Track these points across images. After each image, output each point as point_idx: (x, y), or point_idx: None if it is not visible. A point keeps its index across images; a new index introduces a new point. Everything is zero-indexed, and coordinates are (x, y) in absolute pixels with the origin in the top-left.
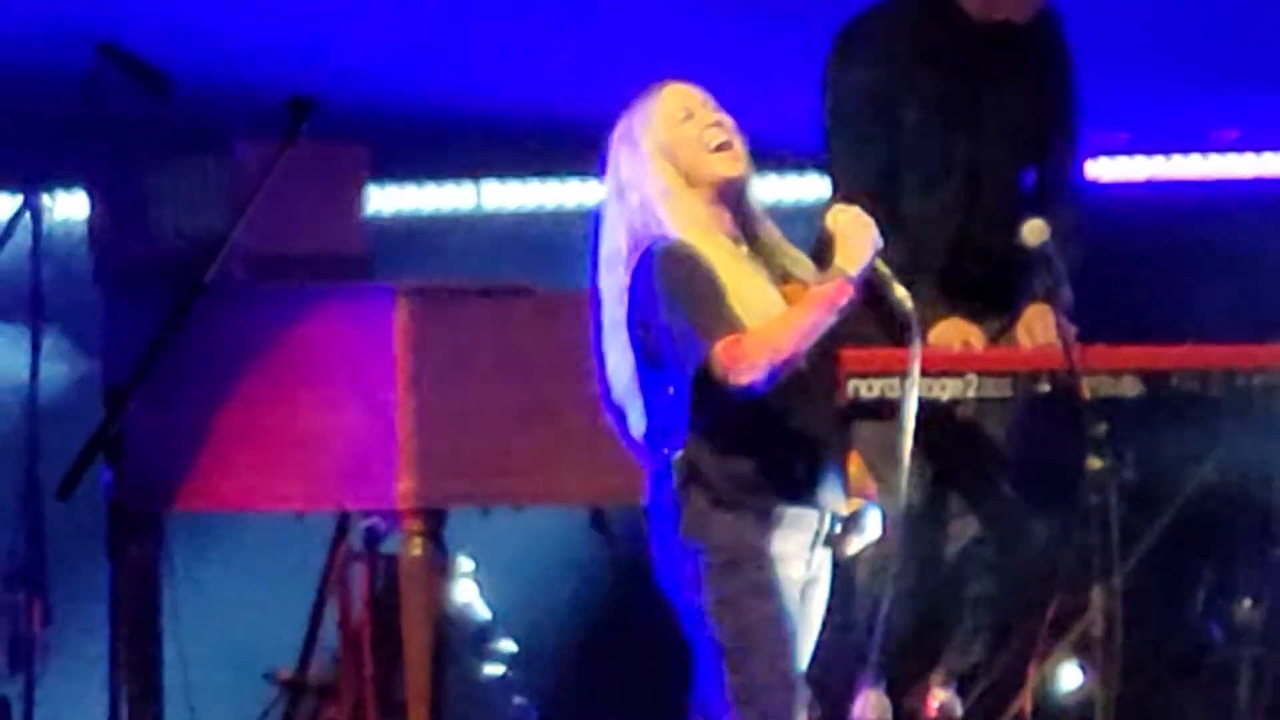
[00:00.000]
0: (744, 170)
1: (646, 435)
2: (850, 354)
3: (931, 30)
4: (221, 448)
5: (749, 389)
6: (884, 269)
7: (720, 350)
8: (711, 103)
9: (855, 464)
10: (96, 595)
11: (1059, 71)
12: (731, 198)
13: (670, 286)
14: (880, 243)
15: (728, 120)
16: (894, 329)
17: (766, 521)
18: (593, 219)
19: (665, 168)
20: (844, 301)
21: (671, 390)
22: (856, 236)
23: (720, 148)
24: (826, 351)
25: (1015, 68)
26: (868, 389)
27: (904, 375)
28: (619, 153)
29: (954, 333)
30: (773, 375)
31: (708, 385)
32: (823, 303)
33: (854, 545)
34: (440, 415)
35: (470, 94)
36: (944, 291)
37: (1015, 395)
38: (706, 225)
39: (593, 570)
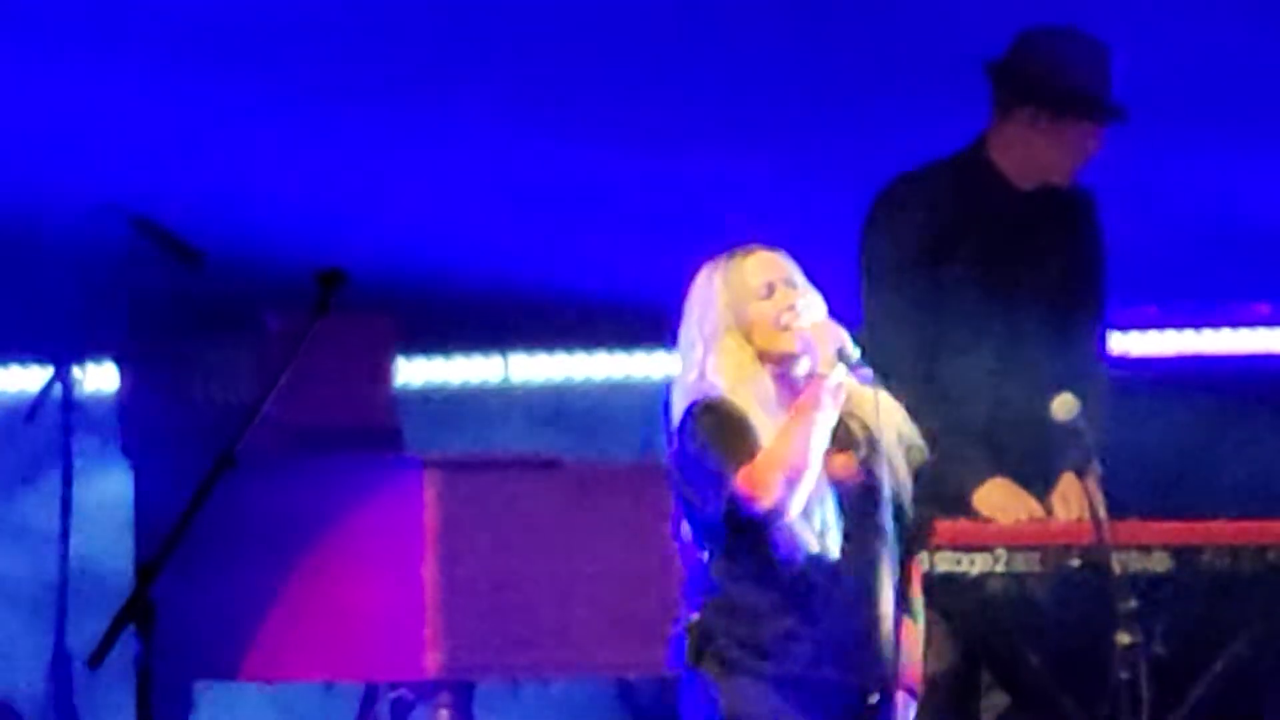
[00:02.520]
0: (805, 348)
1: (682, 600)
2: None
3: (972, 194)
4: (251, 618)
5: (774, 511)
6: (850, 353)
7: (740, 479)
8: (797, 277)
9: (908, 644)
10: None
11: (1091, 246)
12: (798, 375)
13: (705, 434)
14: (847, 340)
15: (803, 300)
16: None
17: (780, 689)
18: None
19: (738, 340)
20: (821, 394)
21: (701, 555)
22: (821, 338)
23: (791, 327)
24: (877, 519)
25: (1053, 236)
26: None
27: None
28: (694, 310)
29: (1000, 497)
30: (790, 490)
31: (732, 536)
32: (805, 405)
33: None
34: (469, 587)
35: (498, 266)
36: (986, 453)
37: (1045, 570)
38: (764, 400)
39: None
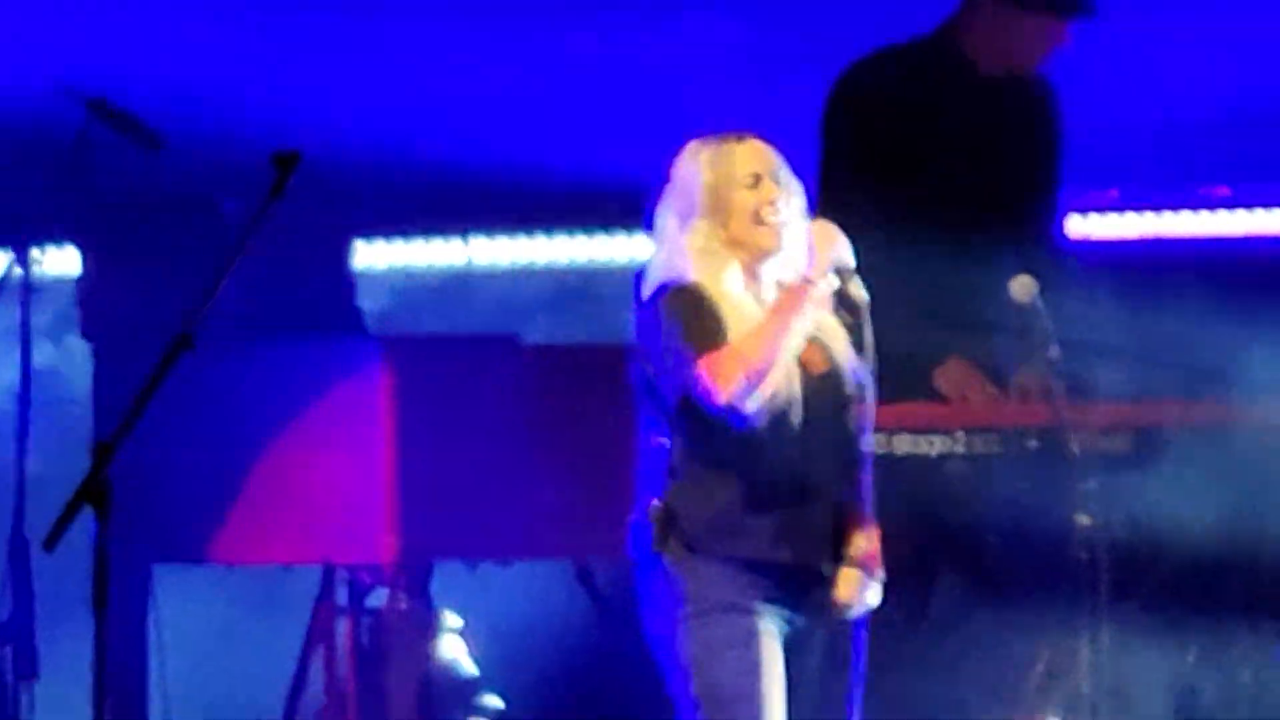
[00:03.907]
0: (780, 246)
1: (638, 485)
2: (886, 410)
3: (935, 78)
4: (209, 501)
5: (732, 410)
6: (847, 273)
7: (703, 366)
8: (783, 174)
9: (863, 526)
10: (81, 648)
11: (1050, 134)
12: (766, 269)
13: (670, 314)
14: (849, 254)
15: (791, 196)
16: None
17: (743, 571)
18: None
19: (710, 227)
20: (805, 302)
21: (660, 439)
22: (825, 246)
23: (770, 222)
24: (835, 404)
25: (1013, 123)
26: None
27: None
28: (675, 189)
29: (959, 377)
30: (750, 387)
31: (693, 420)
32: (786, 307)
33: (842, 612)
34: (426, 469)
35: (461, 149)
36: (946, 336)
37: (1004, 451)
38: (735, 284)
39: (580, 625)
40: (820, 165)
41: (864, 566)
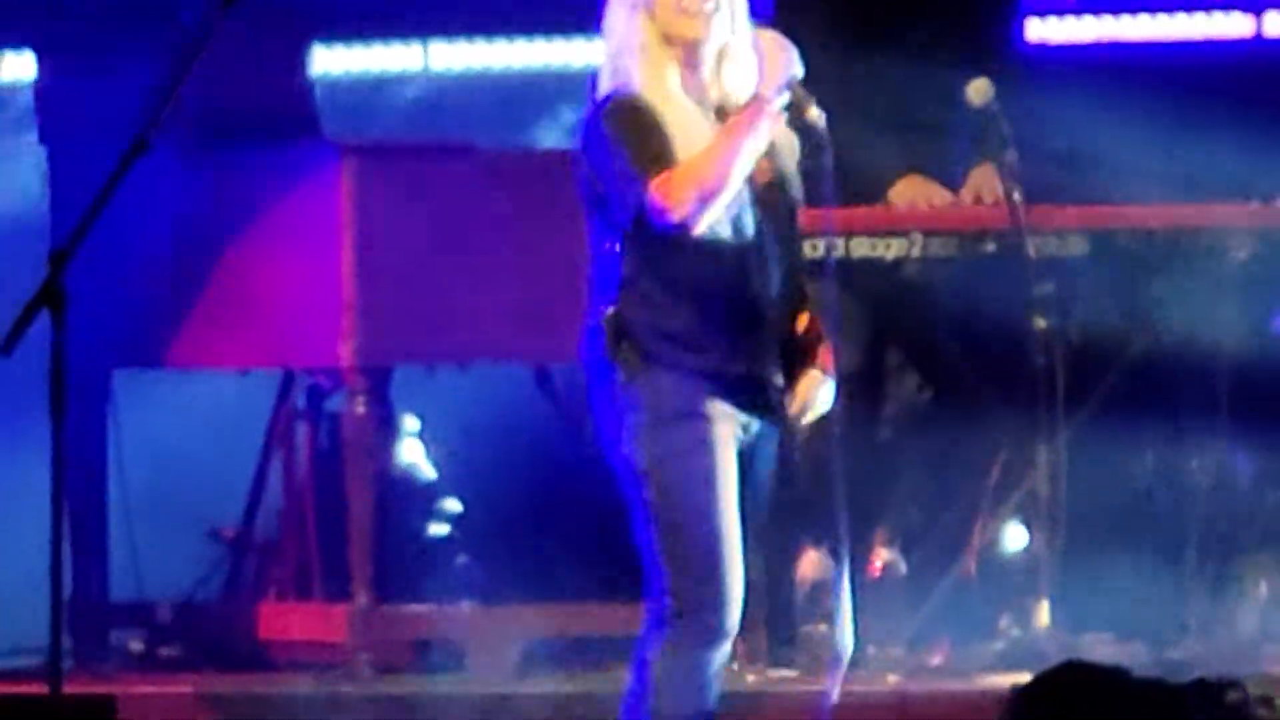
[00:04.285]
0: (707, 33)
1: (592, 292)
2: (842, 214)
3: None
4: (166, 306)
5: (684, 224)
6: (800, 90)
7: (654, 187)
8: None
9: (809, 330)
10: (40, 453)
11: None
12: (706, 59)
13: (616, 133)
14: (799, 66)
15: None
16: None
17: (697, 380)
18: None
19: (646, 21)
20: (760, 121)
21: (609, 246)
22: (775, 58)
23: (696, 12)
24: (782, 213)
25: None
26: (811, 249)
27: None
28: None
29: (916, 190)
30: (703, 206)
31: (643, 233)
32: (739, 128)
33: (804, 416)
34: (384, 273)
35: None
36: (902, 143)
37: (961, 255)
38: (673, 85)
39: (539, 429)
40: None
41: (821, 367)
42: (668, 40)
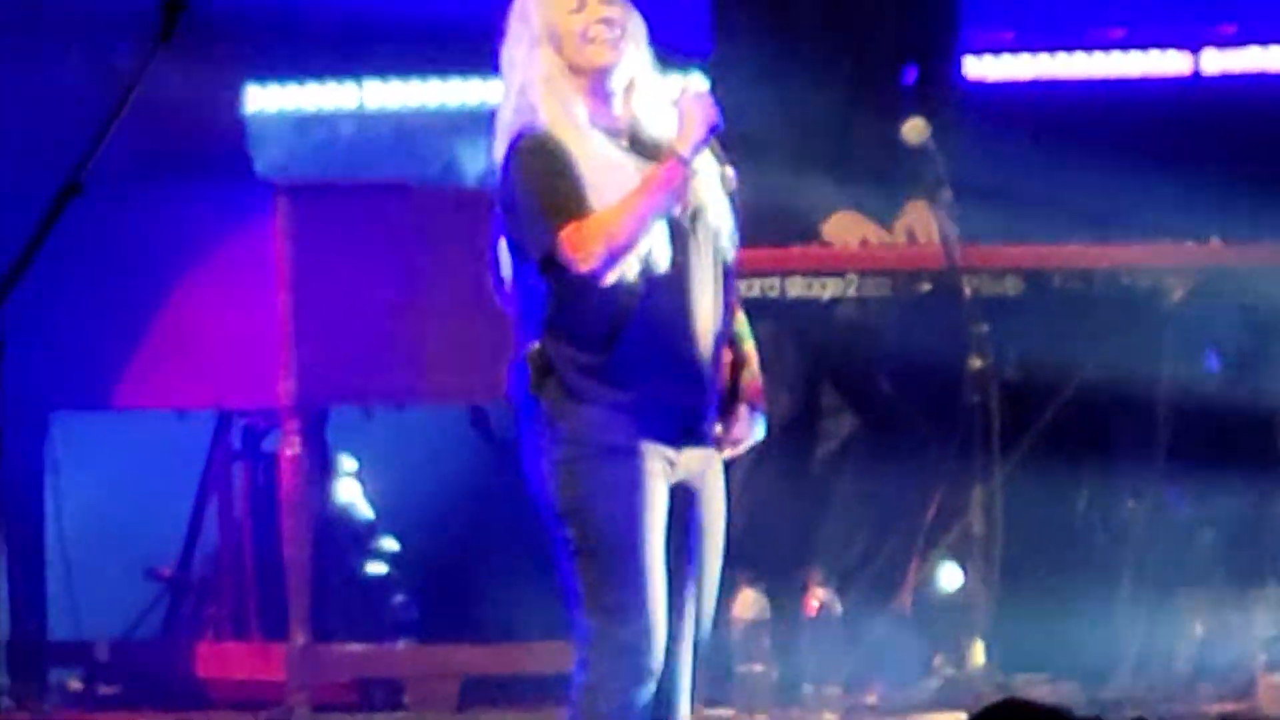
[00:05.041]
0: (616, 59)
1: (516, 329)
2: (778, 253)
3: None
4: (103, 347)
5: (592, 276)
6: (717, 148)
7: (563, 237)
8: None
9: (741, 362)
10: None
11: None
12: (614, 89)
13: (527, 175)
14: (718, 124)
15: (622, 13)
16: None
17: (622, 415)
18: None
19: (549, 55)
20: (677, 181)
21: (531, 283)
22: (693, 116)
23: (603, 41)
24: (707, 242)
25: None
26: (747, 288)
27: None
28: (511, 30)
29: (851, 226)
30: (611, 261)
31: (559, 275)
32: (655, 185)
33: (728, 449)
34: (320, 313)
35: None
36: (836, 181)
37: (896, 294)
38: (581, 117)
39: (475, 468)
40: (711, 12)
41: (750, 402)
42: (574, 71)
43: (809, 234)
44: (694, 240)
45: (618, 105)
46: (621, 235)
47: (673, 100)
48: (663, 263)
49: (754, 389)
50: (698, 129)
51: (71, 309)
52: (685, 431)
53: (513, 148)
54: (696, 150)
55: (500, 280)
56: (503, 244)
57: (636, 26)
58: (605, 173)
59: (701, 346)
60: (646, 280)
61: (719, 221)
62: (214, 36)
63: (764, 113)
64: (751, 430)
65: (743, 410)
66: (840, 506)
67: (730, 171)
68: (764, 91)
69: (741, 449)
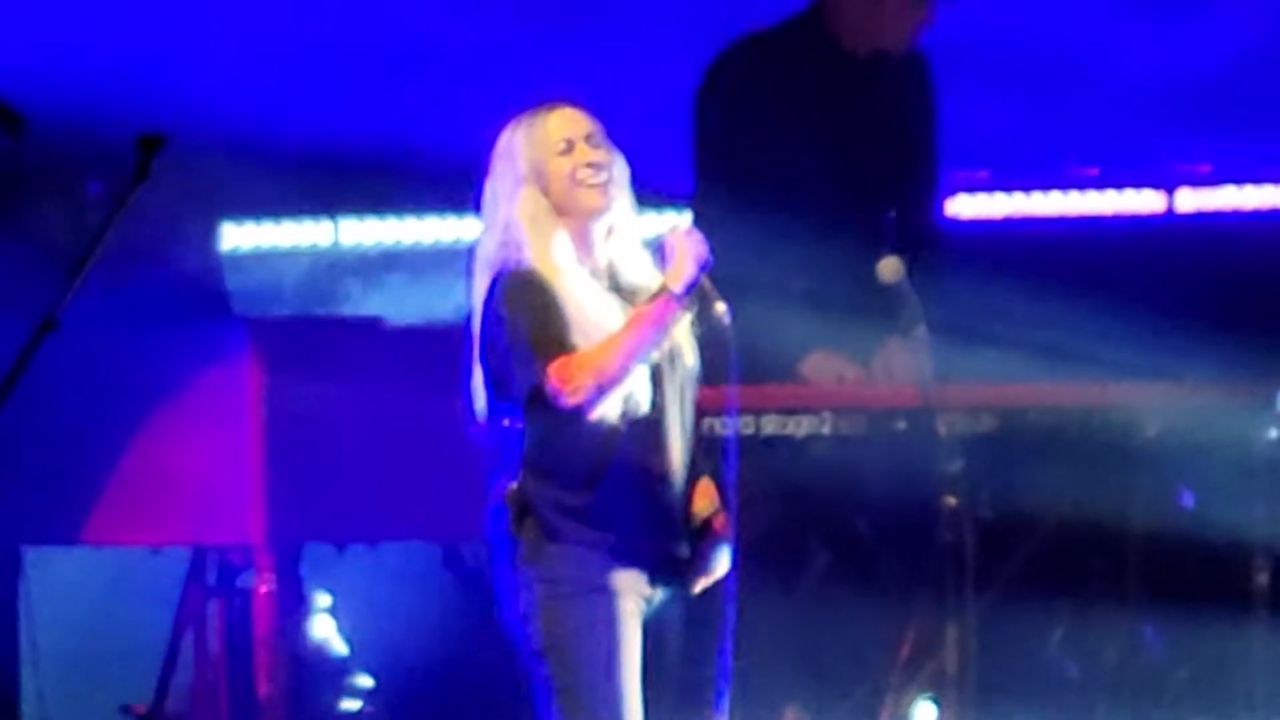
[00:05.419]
0: (607, 202)
1: (489, 469)
2: (704, 391)
3: (801, 58)
4: (79, 484)
5: (579, 410)
6: (708, 285)
7: (552, 371)
8: (597, 135)
9: (706, 498)
10: None
11: (925, 111)
12: (596, 233)
13: (514, 310)
14: (708, 260)
15: (608, 157)
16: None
17: (600, 555)
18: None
19: (535, 194)
20: (669, 319)
21: (507, 422)
22: (684, 254)
23: (591, 184)
24: (679, 382)
25: (885, 101)
26: (721, 426)
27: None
28: (497, 166)
29: (828, 365)
30: (599, 395)
31: (543, 412)
32: (647, 321)
33: (700, 583)
34: (294, 450)
35: (327, 130)
36: (815, 319)
37: (871, 432)
38: (566, 256)
39: (449, 605)
40: (693, 153)
41: (716, 534)
42: (560, 211)
43: (786, 372)
44: (670, 382)
45: (598, 248)
46: (612, 370)
47: (663, 237)
48: (644, 404)
49: (720, 521)
50: (689, 266)
51: (47, 444)
52: (659, 570)
53: (497, 283)
54: (689, 288)
55: (472, 416)
56: (477, 380)
57: (621, 172)
58: (590, 311)
59: (676, 487)
60: (627, 422)
61: (691, 363)
62: (189, 174)
63: (743, 251)
64: (720, 562)
65: (711, 543)
66: (816, 643)
67: (722, 307)
68: (743, 230)
69: (711, 581)
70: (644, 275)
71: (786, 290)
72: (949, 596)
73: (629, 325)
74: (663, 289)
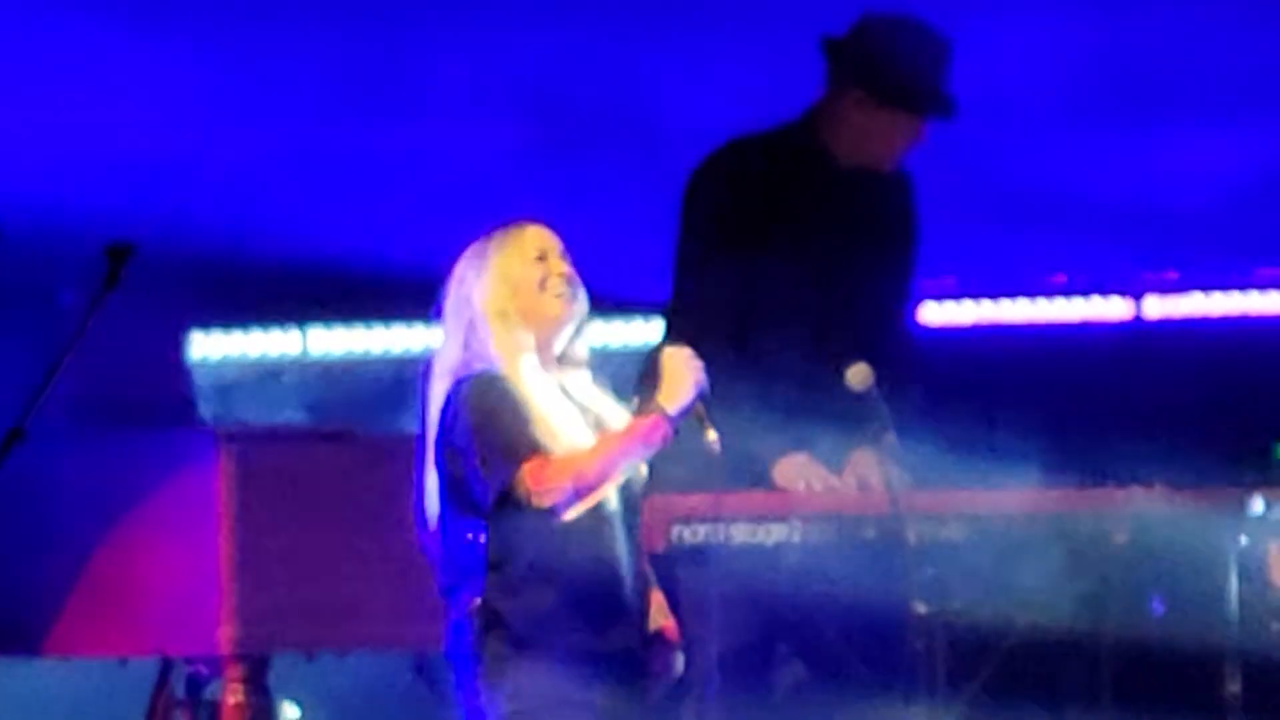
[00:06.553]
0: (573, 314)
1: (446, 583)
2: (674, 500)
3: (792, 166)
4: (45, 593)
5: (550, 512)
6: (703, 410)
7: (527, 471)
8: (565, 254)
9: (656, 603)
10: None
11: (908, 228)
12: (557, 342)
13: (480, 411)
14: (704, 385)
15: (573, 274)
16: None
17: (566, 664)
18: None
19: (506, 295)
20: (658, 438)
21: (471, 536)
22: (681, 376)
23: (559, 294)
24: (630, 487)
25: (871, 215)
26: (692, 535)
27: (717, 519)
28: (466, 270)
29: (796, 472)
30: (575, 499)
31: (510, 515)
32: (636, 436)
33: (656, 689)
34: (263, 560)
35: (296, 239)
36: (791, 428)
37: (840, 540)
38: (532, 362)
39: (418, 715)
40: (677, 249)
41: (673, 644)
42: (525, 317)
43: (757, 479)
44: (622, 486)
45: (557, 357)
46: (590, 476)
47: (660, 355)
48: (605, 509)
49: (670, 627)
50: (685, 390)
51: (12, 555)
52: (622, 673)
53: (461, 386)
54: (683, 411)
55: (424, 524)
56: (430, 487)
57: (584, 300)
58: (553, 417)
59: (633, 591)
60: (586, 524)
61: (642, 470)
62: (159, 283)
63: (720, 360)
64: (674, 667)
65: (665, 649)
66: None
67: (714, 435)
68: (720, 339)
69: (661, 686)
70: (593, 389)
71: (765, 399)
72: (920, 703)
73: (616, 436)
74: (656, 407)
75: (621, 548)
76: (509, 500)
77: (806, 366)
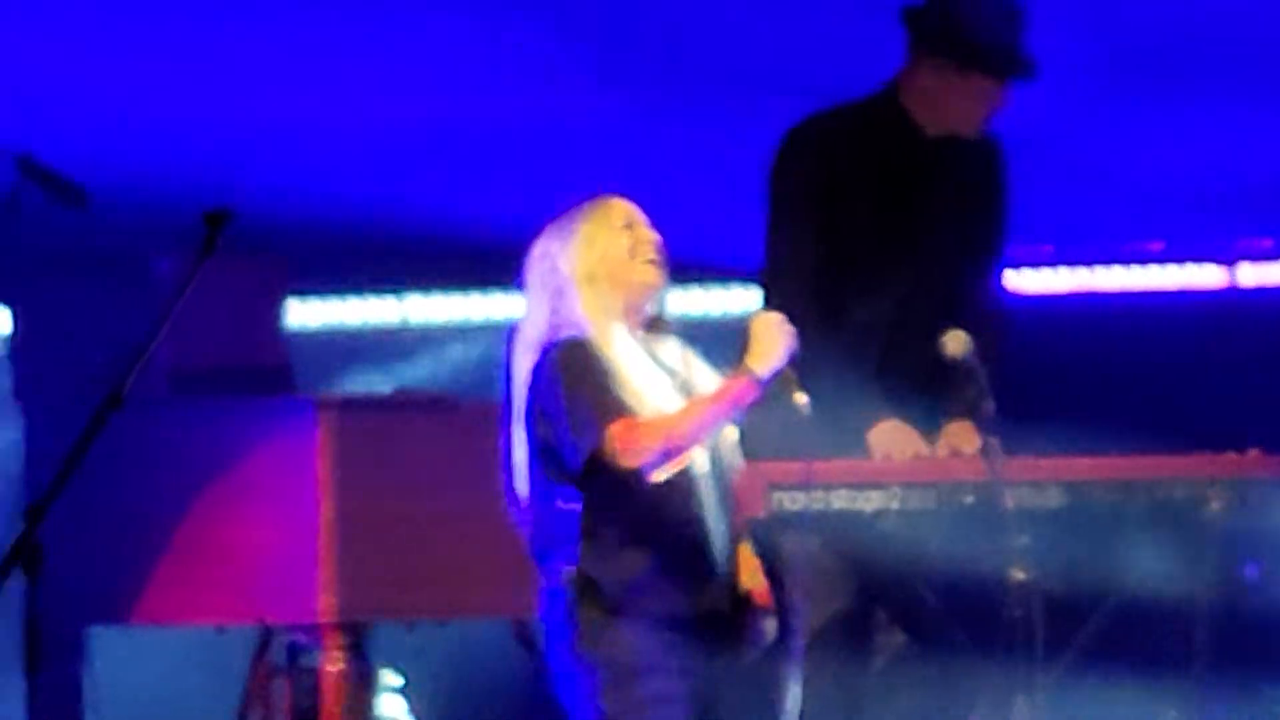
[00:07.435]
0: (660, 282)
1: (538, 551)
2: (774, 466)
3: (879, 137)
4: (143, 562)
5: (639, 472)
6: (791, 374)
7: (616, 430)
8: (649, 224)
9: (747, 566)
10: (14, 711)
11: (996, 194)
12: (646, 308)
13: (570, 374)
14: (794, 349)
15: (661, 242)
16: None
17: (660, 630)
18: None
19: (594, 261)
20: (748, 400)
21: (562, 504)
22: (771, 340)
23: (649, 260)
24: (719, 450)
25: (958, 182)
26: (791, 501)
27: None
28: (552, 241)
29: (898, 438)
30: (664, 460)
31: (601, 478)
32: (726, 398)
33: (749, 652)
34: (362, 528)
35: (394, 206)
36: (883, 394)
37: (939, 507)
38: (621, 328)
39: (519, 682)
40: (766, 218)
41: (764, 609)
42: (613, 283)
43: (854, 446)
44: (712, 449)
45: (644, 323)
46: (679, 437)
47: (749, 320)
48: (695, 472)
49: (760, 591)
50: (775, 353)
51: (110, 523)
52: (715, 638)
53: (550, 351)
54: (773, 374)
55: (514, 496)
56: (519, 456)
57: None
58: (643, 380)
59: (723, 555)
60: (678, 488)
61: (730, 431)
62: (256, 251)
63: (813, 326)
64: (767, 632)
65: (756, 613)
66: (885, 718)
67: (803, 398)
68: (813, 305)
69: (755, 652)
70: (681, 353)
71: (855, 365)
72: (1018, 672)
73: (706, 398)
74: (745, 370)
75: (711, 510)
76: (599, 463)
77: (897, 334)
